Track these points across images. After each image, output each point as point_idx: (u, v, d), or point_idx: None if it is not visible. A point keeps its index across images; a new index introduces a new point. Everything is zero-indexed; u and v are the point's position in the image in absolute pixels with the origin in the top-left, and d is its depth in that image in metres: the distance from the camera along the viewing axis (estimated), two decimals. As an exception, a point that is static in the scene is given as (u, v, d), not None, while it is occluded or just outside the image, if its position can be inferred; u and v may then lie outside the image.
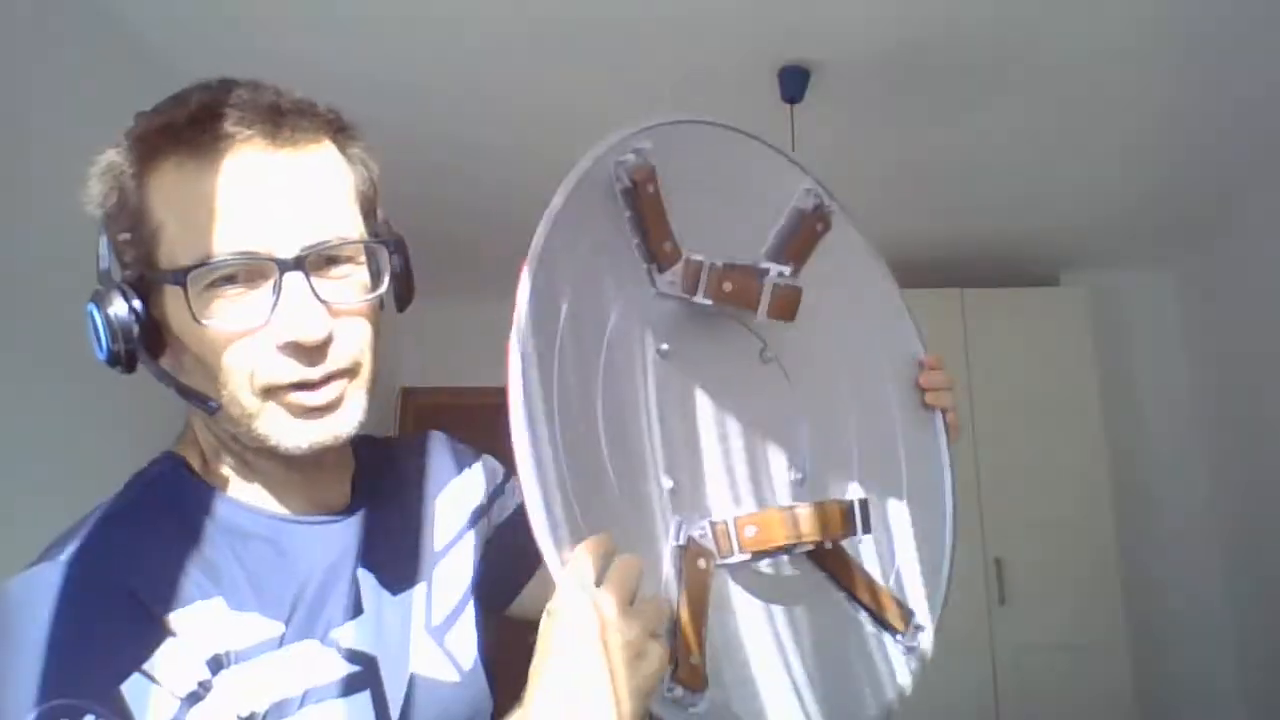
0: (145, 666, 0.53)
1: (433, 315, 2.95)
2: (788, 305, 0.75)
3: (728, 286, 0.73)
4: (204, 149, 0.58)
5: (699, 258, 0.74)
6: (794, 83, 2.22)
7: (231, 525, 0.63)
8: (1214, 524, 3.30)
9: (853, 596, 0.77)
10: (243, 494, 0.65)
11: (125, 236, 0.61)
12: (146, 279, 0.60)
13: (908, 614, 0.79)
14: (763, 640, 0.71)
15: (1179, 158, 2.71)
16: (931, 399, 0.88)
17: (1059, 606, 3.01)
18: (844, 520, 0.72)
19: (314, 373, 0.60)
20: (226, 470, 0.66)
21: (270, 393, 0.60)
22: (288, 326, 0.58)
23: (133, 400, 1.58)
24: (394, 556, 0.71)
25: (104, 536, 0.58)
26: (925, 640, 0.80)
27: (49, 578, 0.55)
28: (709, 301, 0.73)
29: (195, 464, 0.65)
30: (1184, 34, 2.08)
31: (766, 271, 0.74)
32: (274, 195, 0.59)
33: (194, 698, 0.54)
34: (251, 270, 0.59)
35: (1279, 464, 2.94)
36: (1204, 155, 2.69)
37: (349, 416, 0.63)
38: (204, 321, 0.58)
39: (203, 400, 0.61)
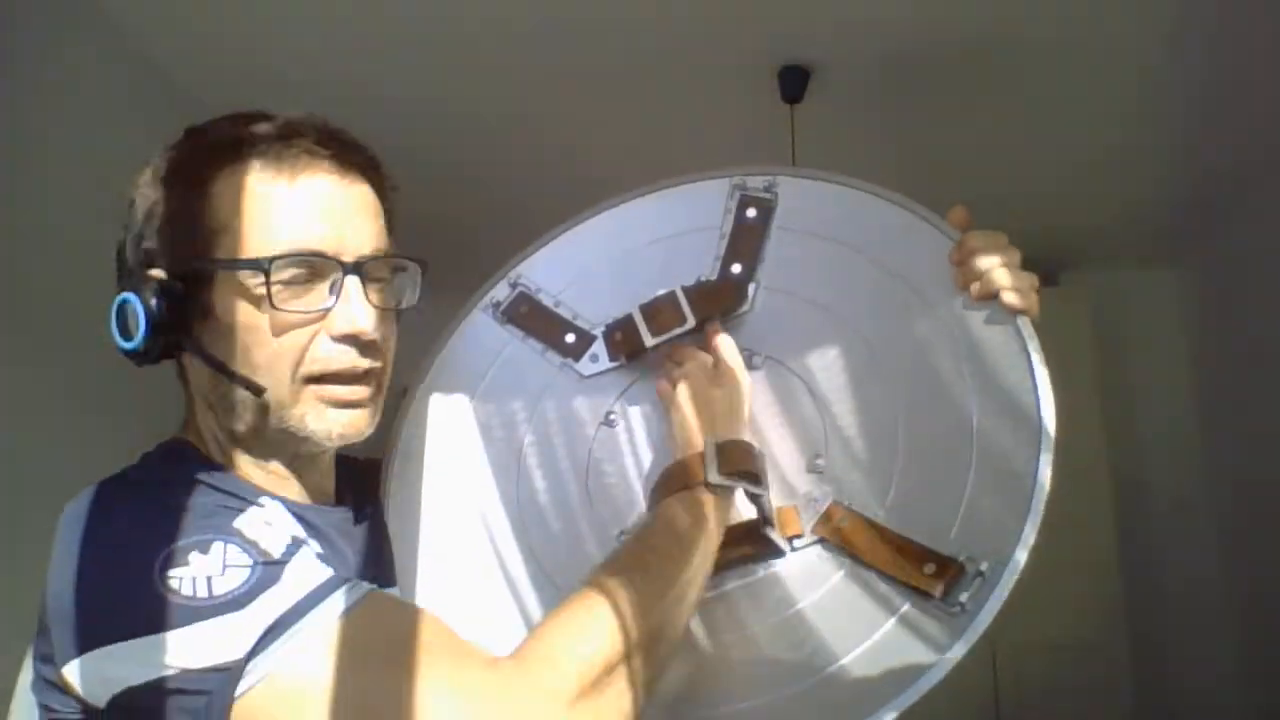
0: (253, 511, 0.61)
1: (434, 315, 2.96)
2: (693, 308, 0.77)
3: (646, 331, 0.78)
4: (286, 161, 0.66)
5: (610, 325, 0.81)
6: (794, 83, 2.21)
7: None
8: (1215, 524, 3.30)
9: (862, 565, 0.69)
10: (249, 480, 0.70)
11: (178, 230, 0.66)
12: (197, 270, 0.65)
13: (956, 567, 0.66)
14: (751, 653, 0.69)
15: (1179, 157, 2.71)
16: (978, 291, 0.73)
17: (1059, 606, 3.00)
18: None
19: (363, 363, 0.68)
20: (232, 460, 0.70)
21: (310, 381, 0.66)
22: (350, 319, 0.66)
23: (134, 406, 1.58)
24: (374, 557, 0.76)
25: (150, 464, 0.66)
26: (976, 595, 0.65)
27: (129, 476, 0.62)
28: (619, 360, 0.80)
29: (204, 451, 0.70)
30: (1184, 33, 2.07)
31: (673, 293, 0.78)
32: (338, 210, 0.67)
33: (298, 542, 0.60)
34: (315, 269, 0.66)
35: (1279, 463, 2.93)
36: (1204, 155, 2.69)
37: (372, 415, 0.70)
38: (280, 306, 0.64)
39: (250, 384, 0.65)
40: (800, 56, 2.18)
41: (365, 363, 0.68)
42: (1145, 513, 3.31)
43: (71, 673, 0.55)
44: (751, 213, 0.82)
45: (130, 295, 0.65)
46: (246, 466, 0.69)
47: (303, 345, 0.66)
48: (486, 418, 0.82)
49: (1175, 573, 3.29)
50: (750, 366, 0.78)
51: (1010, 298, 0.72)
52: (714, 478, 0.67)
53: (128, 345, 0.65)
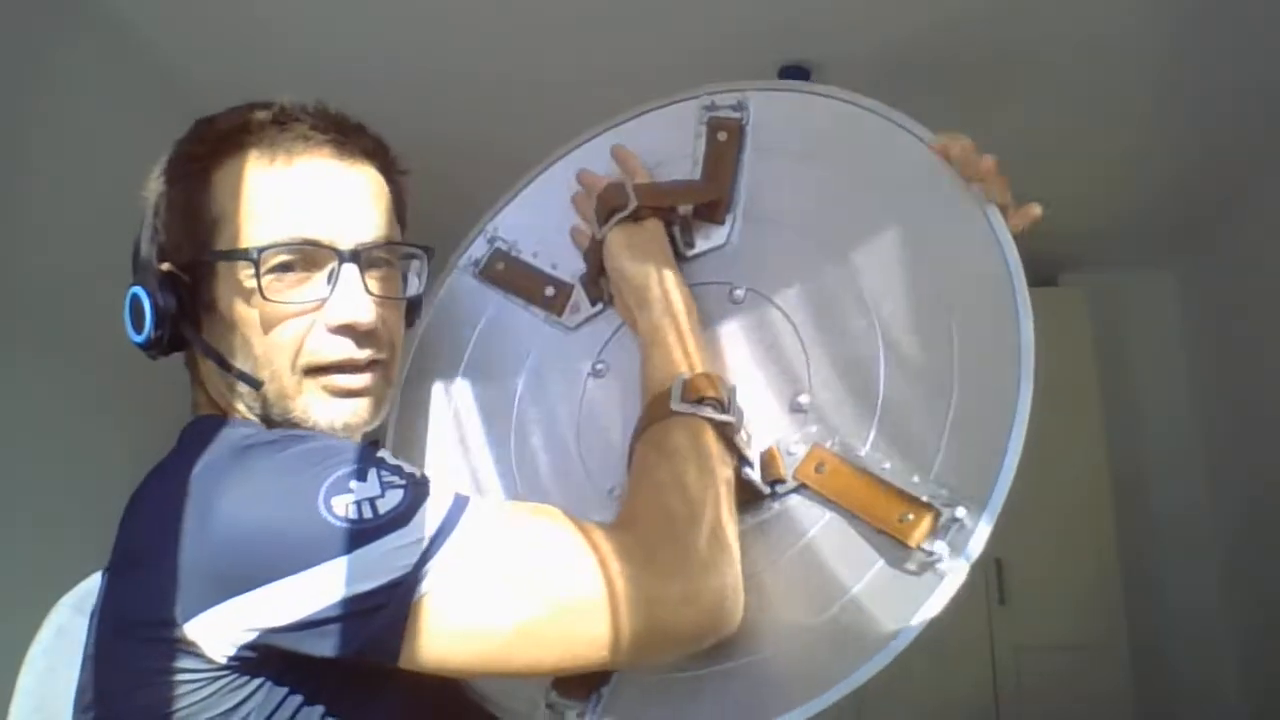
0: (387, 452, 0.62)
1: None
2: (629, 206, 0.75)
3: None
4: (281, 147, 0.65)
5: (586, 252, 0.78)
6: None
7: None
8: (1214, 524, 3.30)
9: (842, 510, 0.66)
10: None
11: (182, 222, 0.66)
12: (200, 262, 0.65)
13: (932, 514, 0.61)
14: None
15: (1178, 158, 2.71)
16: (968, 170, 0.69)
17: (1059, 606, 3.00)
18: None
19: (361, 354, 0.66)
20: None
21: (311, 373, 0.66)
22: (344, 310, 0.65)
23: (132, 403, 1.58)
24: None
25: (233, 431, 0.65)
26: (953, 541, 0.60)
27: (224, 443, 0.61)
28: (599, 304, 0.79)
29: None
30: (1183, 34, 2.08)
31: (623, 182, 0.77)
32: (337, 196, 0.67)
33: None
34: (310, 258, 0.65)
35: (1279, 464, 2.93)
36: (1204, 155, 2.69)
37: (376, 405, 0.69)
38: (271, 297, 0.63)
39: (246, 378, 0.65)
40: (800, 56, 2.18)
41: (364, 354, 0.67)
42: (1145, 513, 3.31)
43: (200, 626, 0.55)
44: (723, 136, 0.79)
45: (139, 289, 0.66)
46: None
47: (299, 337, 0.65)
48: (477, 381, 0.82)
49: (1175, 573, 3.29)
50: (731, 300, 0.76)
51: (993, 184, 0.70)
52: (678, 406, 0.66)
53: (136, 338, 0.67)
